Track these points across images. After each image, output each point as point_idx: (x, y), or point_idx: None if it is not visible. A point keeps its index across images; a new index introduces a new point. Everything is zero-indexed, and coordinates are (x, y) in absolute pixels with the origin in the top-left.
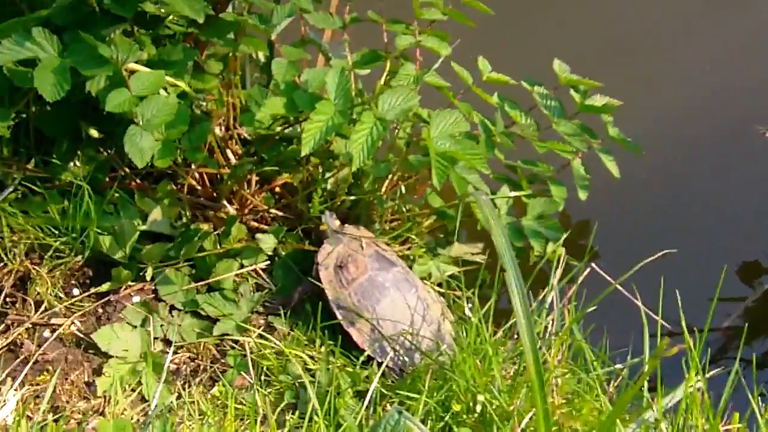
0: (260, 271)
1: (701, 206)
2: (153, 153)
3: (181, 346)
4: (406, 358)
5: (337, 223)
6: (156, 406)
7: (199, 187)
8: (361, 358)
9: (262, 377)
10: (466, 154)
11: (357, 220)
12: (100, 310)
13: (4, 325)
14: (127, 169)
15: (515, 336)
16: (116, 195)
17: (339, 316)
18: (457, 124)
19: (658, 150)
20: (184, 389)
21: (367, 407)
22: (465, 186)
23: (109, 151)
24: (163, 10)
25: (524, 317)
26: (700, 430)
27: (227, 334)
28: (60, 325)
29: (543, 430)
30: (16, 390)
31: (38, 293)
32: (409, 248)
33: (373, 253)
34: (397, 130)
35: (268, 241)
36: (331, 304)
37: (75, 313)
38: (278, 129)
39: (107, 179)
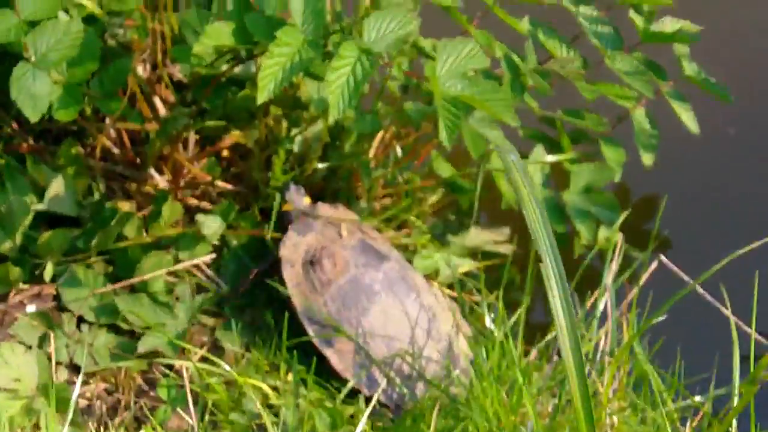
0: (203, 267)
1: None
2: (51, 102)
3: (94, 374)
4: (405, 390)
5: (306, 200)
6: None
7: (116, 150)
8: (344, 391)
9: (207, 417)
10: (484, 100)
11: (335, 197)
12: None
13: None
14: (15, 125)
15: (554, 357)
16: (0, 161)
17: (311, 333)
18: (473, 58)
19: (752, 96)
20: None
21: None
22: (483, 146)
23: None
24: None
25: (568, 330)
26: None
27: (157, 354)
28: None
29: None
30: None
31: None
32: (407, 235)
33: (358, 244)
34: (388, 69)
35: (212, 225)
36: (300, 317)
37: None
38: (224, 68)
39: None
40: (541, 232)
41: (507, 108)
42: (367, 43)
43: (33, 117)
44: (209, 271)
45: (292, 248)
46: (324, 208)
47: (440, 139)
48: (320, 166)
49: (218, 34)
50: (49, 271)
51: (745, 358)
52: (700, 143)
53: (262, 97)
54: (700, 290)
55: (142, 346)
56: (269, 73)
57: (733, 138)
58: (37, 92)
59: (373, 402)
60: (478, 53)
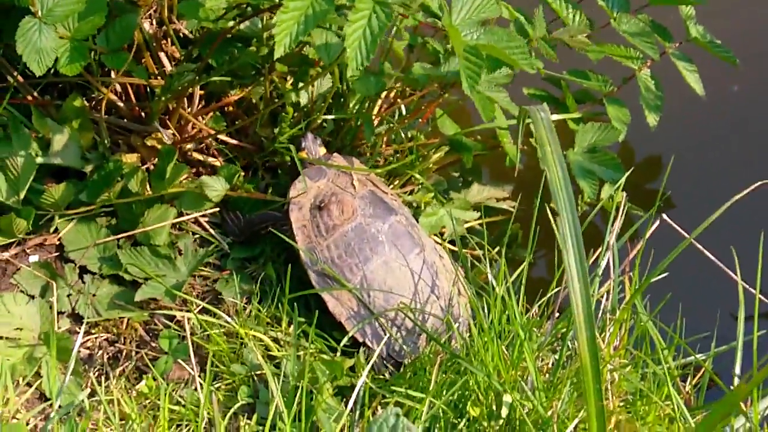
0: (204, 224)
1: None
2: (57, 56)
3: (96, 324)
4: (406, 344)
5: (322, 150)
6: (61, 406)
7: (121, 104)
8: (344, 342)
9: (208, 368)
10: (503, 48)
11: (340, 152)
12: None
13: None
14: (21, 78)
15: (555, 313)
16: (6, 114)
17: (311, 275)
18: (485, 6)
19: (757, 58)
20: (99, 383)
21: (352, 410)
22: (492, 109)
23: None
24: None
25: (580, 282)
26: None
27: (156, 303)
28: None
29: None
30: None
31: None
32: (411, 191)
33: (367, 194)
34: (393, 28)
35: (216, 186)
36: (302, 258)
37: None
38: (230, 24)
39: None
40: (561, 183)
41: (524, 55)
42: None
43: (38, 71)
44: (210, 229)
45: (302, 191)
46: (339, 159)
47: (463, 86)
48: (327, 120)
49: None
50: (54, 224)
51: (749, 318)
52: (705, 105)
53: (279, 52)
54: (698, 245)
55: (140, 295)
56: (285, 28)
57: (737, 97)
58: (43, 47)
59: (375, 355)
60: (489, 2)
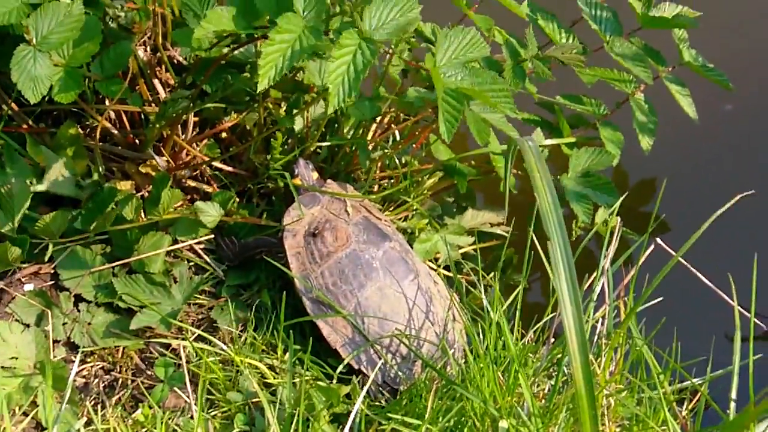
0: (199, 251)
1: None
2: (51, 83)
3: (92, 353)
4: (402, 371)
5: (315, 175)
6: None
7: (115, 131)
8: (339, 369)
9: (204, 396)
10: (485, 91)
11: (334, 179)
12: None
13: None
14: (15, 107)
15: (550, 339)
16: (0, 142)
17: (306, 302)
18: (473, 46)
19: (750, 82)
20: (95, 412)
21: None
22: (487, 132)
23: None
24: None
25: (572, 306)
26: None
27: (151, 331)
28: None
29: None
30: None
31: None
32: (405, 217)
33: (361, 221)
34: (389, 55)
35: (211, 212)
36: (297, 285)
37: None
38: (225, 50)
39: None
40: (550, 207)
41: (507, 99)
42: (368, 31)
43: (33, 99)
44: (206, 256)
45: (296, 218)
46: (332, 185)
47: (440, 129)
48: (321, 147)
49: (219, 18)
50: (48, 252)
51: (744, 341)
52: (698, 129)
53: (262, 85)
54: (697, 273)
55: (135, 324)
56: (270, 60)
57: (730, 120)
58: (37, 74)
59: (370, 381)
60: (479, 42)
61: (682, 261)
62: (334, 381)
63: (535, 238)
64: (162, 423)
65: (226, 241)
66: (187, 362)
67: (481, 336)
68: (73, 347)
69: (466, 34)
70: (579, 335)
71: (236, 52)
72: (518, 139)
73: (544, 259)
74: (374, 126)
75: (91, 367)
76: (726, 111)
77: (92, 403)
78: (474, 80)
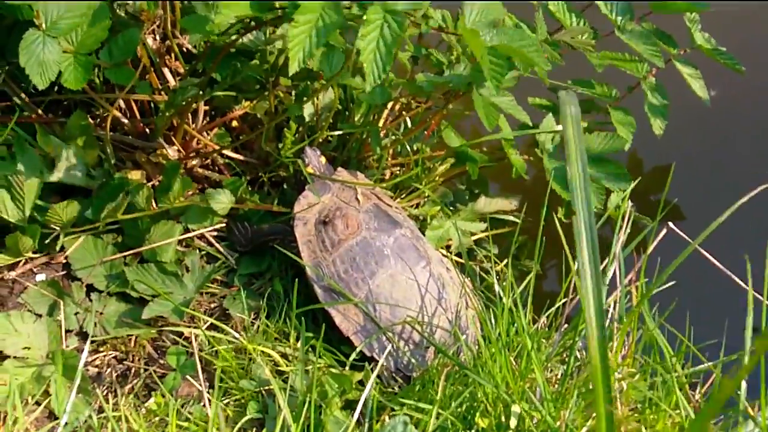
0: (211, 239)
1: None
2: (60, 69)
3: (104, 342)
4: (414, 357)
5: (323, 160)
6: (68, 424)
7: (125, 121)
8: (352, 356)
9: (216, 384)
10: (519, 47)
11: (345, 167)
12: None
13: None
14: (24, 96)
15: (563, 324)
16: (10, 132)
17: (317, 290)
18: (490, 9)
19: (763, 62)
20: (107, 400)
21: (360, 422)
22: (495, 116)
23: None
24: None
25: (593, 286)
26: None
27: (164, 320)
28: None
29: None
30: None
31: None
32: (417, 204)
33: (372, 208)
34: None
35: (222, 199)
36: (308, 274)
37: None
38: (234, 37)
39: None
40: (580, 186)
41: (538, 52)
42: (391, 4)
43: (41, 84)
44: (218, 244)
45: (307, 206)
46: (342, 173)
47: (491, 88)
48: (332, 135)
49: (237, 4)
50: (59, 242)
51: (757, 328)
52: (711, 112)
53: (293, 67)
54: (703, 252)
55: (147, 313)
56: (298, 42)
57: (742, 103)
58: (46, 59)
59: (379, 367)
60: (495, 4)
61: (699, 249)
62: (347, 368)
63: (552, 223)
64: (174, 411)
65: (239, 227)
66: (200, 351)
67: (493, 322)
68: (85, 337)
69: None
70: (597, 310)
71: (245, 39)
72: (561, 96)
73: (558, 245)
74: (385, 113)
75: (104, 356)
76: (711, 97)
77: (105, 392)
78: (504, 38)
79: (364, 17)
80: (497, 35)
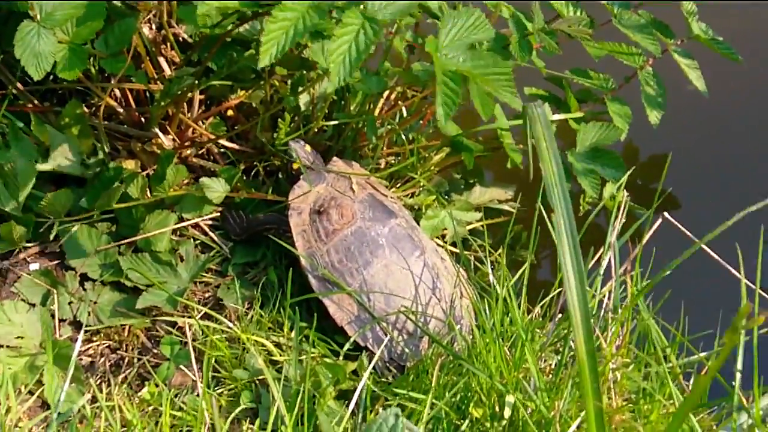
0: (205, 228)
1: None
2: (55, 60)
3: (98, 332)
4: (408, 347)
5: (308, 148)
6: (61, 413)
7: (120, 110)
8: (346, 346)
9: (210, 373)
10: (485, 75)
11: (341, 155)
12: None
13: None
14: (19, 85)
15: (557, 315)
16: (5, 121)
17: (311, 280)
18: (478, 28)
19: (759, 54)
20: (101, 390)
21: (354, 412)
22: (491, 106)
23: None
24: None
25: (576, 280)
26: None
27: (158, 309)
28: None
29: None
30: None
31: None
32: (412, 194)
33: (367, 198)
34: (394, 28)
35: (217, 188)
36: (303, 264)
37: None
38: (230, 27)
39: None
40: (555, 177)
41: (509, 83)
42: (372, 11)
43: (36, 75)
44: (213, 234)
45: (302, 196)
46: (337, 163)
47: (437, 112)
48: (327, 125)
49: None
50: (53, 231)
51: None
52: (708, 102)
53: (263, 62)
54: (707, 249)
55: (141, 303)
56: (272, 38)
57: (739, 94)
58: (41, 51)
59: (376, 358)
60: (484, 23)
61: (703, 247)
62: (341, 358)
63: (544, 212)
64: (168, 401)
65: (233, 216)
66: (194, 340)
67: (487, 312)
68: (78, 326)
69: (471, 15)
70: (582, 307)
71: (241, 29)
72: (527, 105)
73: (552, 234)
74: (381, 102)
75: (97, 346)
76: (689, 91)
77: (98, 381)
78: (476, 63)
79: (341, 19)
80: (470, 59)
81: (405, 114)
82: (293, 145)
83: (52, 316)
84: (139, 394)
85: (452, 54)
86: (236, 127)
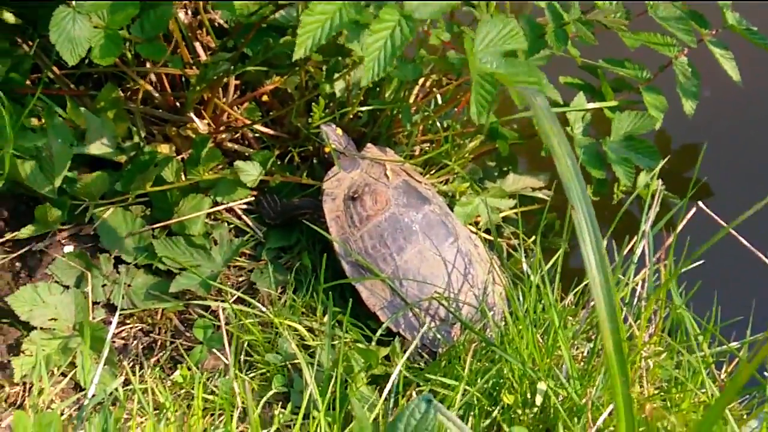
0: (239, 212)
1: None
2: (91, 45)
3: (131, 315)
4: (440, 333)
5: (339, 132)
6: (94, 395)
7: (156, 95)
8: (379, 332)
9: (242, 357)
10: (518, 81)
11: (375, 142)
12: (19, 264)
13: None
14: (56, 69)
15: (590, 302)
16: (41, 104)
17: (345, 266)
18: (512, 38)
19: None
20: (134, 372)
21: (386, 398)
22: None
23: (30, 44)
24: None
25: (598, 272)
26: None
27: (191, 293)
28: None
29: (625, 430)
30: None
31: None
32: (446, 181)
33: (401, 184)
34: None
35: (251, 172)
36: (336, 249)
37: None
38: (267, 13)
39: (28, 82)
40: (571, 174)
41: (541, 89)
42: (410, 9)
43: (71, 60)
44: (246, 218)
45: (336, 182)
46: (372, 150)
47: (471, 111)
48: (362, 111)
49: None
50: (88, 213)
51: None
52: (742, 92)
53: (298, 53)
54: (735, 234)
55: (175, 287)
56: (308, 30)
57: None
58: (76, 36)
59: (414, 344)
60: (517, 34)
61: (732, 232)
62: (373, 343)
63: None
64: (200, 384)
65: (268, 200)
66: (226, 324)
67: (520, 299)
68: (112, 309)
69: (506, 25)
70: (608, 302)
71: (277, 15)
72: (527, 96)
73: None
74: (416, 89)
75: (131, 328)
76: (722, 80)
77: (131, 364)
78: (509, 69)
79: (378, 15)
80: (503, 65)
81: (440, 101)
82: (324, 129)
83: (86, 298)
84: (171, 377)
85: (486, 59)
86: (271, 113)
